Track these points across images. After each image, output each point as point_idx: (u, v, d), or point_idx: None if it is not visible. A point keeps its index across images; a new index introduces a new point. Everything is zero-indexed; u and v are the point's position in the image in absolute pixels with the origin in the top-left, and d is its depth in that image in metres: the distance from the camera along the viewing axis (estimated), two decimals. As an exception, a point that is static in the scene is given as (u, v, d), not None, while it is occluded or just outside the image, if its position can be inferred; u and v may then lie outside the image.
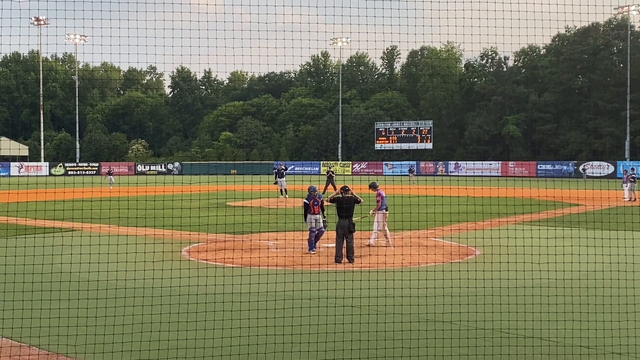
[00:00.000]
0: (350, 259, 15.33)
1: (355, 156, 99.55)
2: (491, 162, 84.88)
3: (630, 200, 35.43)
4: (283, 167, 40.71)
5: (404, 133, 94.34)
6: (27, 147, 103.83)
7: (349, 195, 15.79)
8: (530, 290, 11.90)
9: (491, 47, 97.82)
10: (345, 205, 15.55)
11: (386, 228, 17.73)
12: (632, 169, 39.36)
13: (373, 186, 17.90)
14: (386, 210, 17.83)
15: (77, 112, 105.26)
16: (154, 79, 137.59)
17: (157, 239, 18.44)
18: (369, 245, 17.60)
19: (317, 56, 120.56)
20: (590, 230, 20.47)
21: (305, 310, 10.00)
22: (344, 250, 15.45)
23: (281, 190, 37.72)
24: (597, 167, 74.13)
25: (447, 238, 19.91)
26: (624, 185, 37.33)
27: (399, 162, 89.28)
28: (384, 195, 17.79)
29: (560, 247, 15.15)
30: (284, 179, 38.28)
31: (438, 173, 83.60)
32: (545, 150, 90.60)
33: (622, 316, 9.84)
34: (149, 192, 35.00)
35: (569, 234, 20.28)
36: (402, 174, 77.14)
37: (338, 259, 15.28)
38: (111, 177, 54.50)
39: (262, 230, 20.90)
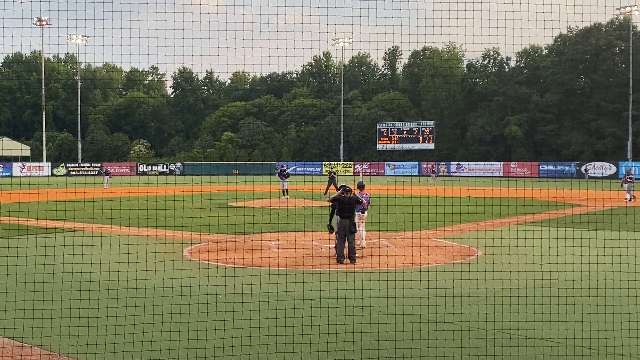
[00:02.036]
0: (352, 260, 15.32)
1: (357, 157, 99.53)
2: (493, 162, 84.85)
3: (630, 200, 35.41)
4: (284, 167, 40.94)
5: (406, 133, 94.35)
6: (29, 148, 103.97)
7: (350, 195, 15.78)
8: (532, 291, 11.88)
9: (493, 47, 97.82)
10: (347, 205, 15.54)
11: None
12: (629, 170, 39.55)
13: (361, 186, 17.82)
14: (362, 213, 17.64)
15: (79, 113, 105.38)
16: (156, 79, 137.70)
17: (159, 240, 18.46)
18: (362, 248, 17.32)
19: (319, 57, 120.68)
20: (592, 230, 20.45)
21: (307, 310, 10.00)
22: (345, 251, 15.44)
23: (283, 190, 37.85)
24: (599, 168, 74.09)
25: (449, 239, 19.89)
26: (624, 185, 37.36)
27: (401, 163, 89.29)
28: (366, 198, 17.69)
29: (562, 247, 15.13)
30: (286, 179, 38.45)
31: (440, 174, 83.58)
32: (547, 150, 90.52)
33: (624, 317, 9.82)
34: (150, 192, 35.02)
35: (571, 235, 20.25)
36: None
37: (340, 260, 15.27)
38: (107, 177, 54.49)
39: (264, 230, 20.90)
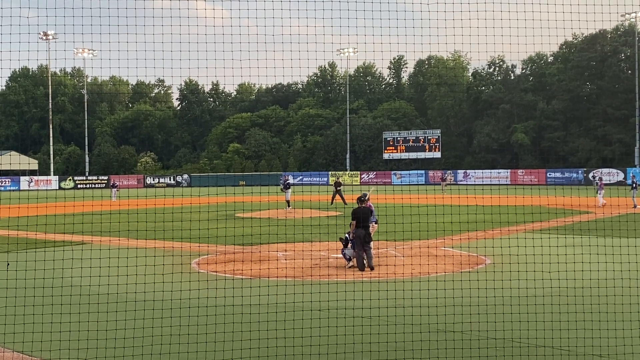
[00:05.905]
0: (371, 267, 15.56)
1: (364, 166, 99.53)
2: (500, 170, 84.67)
3: (635, 207, 35.25)
4: (286, 178, 41.14)
5: (412, 142, 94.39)
6: (37, 161, 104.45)
7: (364, 205, 16.06)
8: (541, 299, 11.83)
9: (498, 55, 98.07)
10: (362, 215, 15.74)
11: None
12: (633, 176, 39.39)
13: (363, 197, 17.88)
14: (375, 223, 17.87)
15: (86, 126, 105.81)
16: (162, 91, 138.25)
17: (167, 251, 18.49)
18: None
19: (324, 67, 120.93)
20: (600, 237, 20.35)
21: (316, 321, 9.99)
22: (365, 260, 15.71)
23: (287, 201, 37.92)
24: (607, 175, 73.81)
25: (457, 247, 19.84)
26: (632, 191, 37.19)
27: (408, 172, 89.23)
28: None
29: (571, 255, 15.06)
30: (289, 190, 38.47)
31: (447, 182, 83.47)
32: (555, 157, 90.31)
33: (635, 324, 9.77)
34: (158, 204, 35.12)
35: (580, 242, 20.17)
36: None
37: (361, 268, 15.51)
38: (115, 189, 54.61)
39: (272, 241, 20.89)
